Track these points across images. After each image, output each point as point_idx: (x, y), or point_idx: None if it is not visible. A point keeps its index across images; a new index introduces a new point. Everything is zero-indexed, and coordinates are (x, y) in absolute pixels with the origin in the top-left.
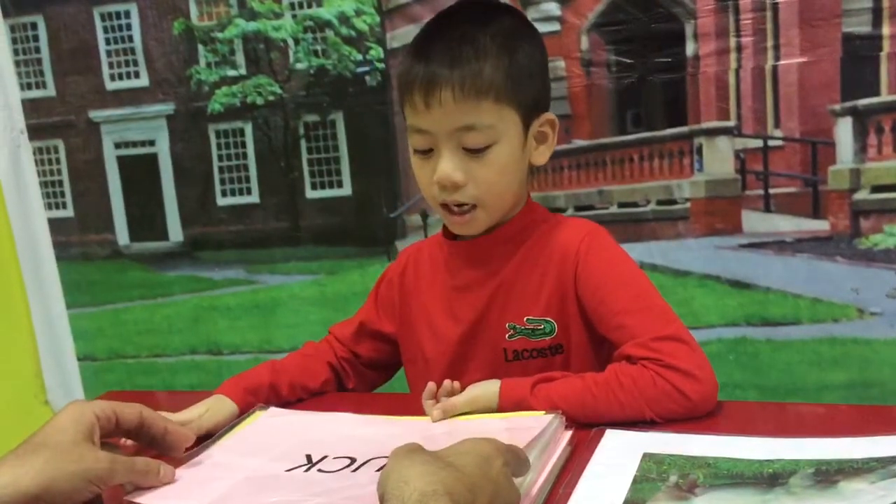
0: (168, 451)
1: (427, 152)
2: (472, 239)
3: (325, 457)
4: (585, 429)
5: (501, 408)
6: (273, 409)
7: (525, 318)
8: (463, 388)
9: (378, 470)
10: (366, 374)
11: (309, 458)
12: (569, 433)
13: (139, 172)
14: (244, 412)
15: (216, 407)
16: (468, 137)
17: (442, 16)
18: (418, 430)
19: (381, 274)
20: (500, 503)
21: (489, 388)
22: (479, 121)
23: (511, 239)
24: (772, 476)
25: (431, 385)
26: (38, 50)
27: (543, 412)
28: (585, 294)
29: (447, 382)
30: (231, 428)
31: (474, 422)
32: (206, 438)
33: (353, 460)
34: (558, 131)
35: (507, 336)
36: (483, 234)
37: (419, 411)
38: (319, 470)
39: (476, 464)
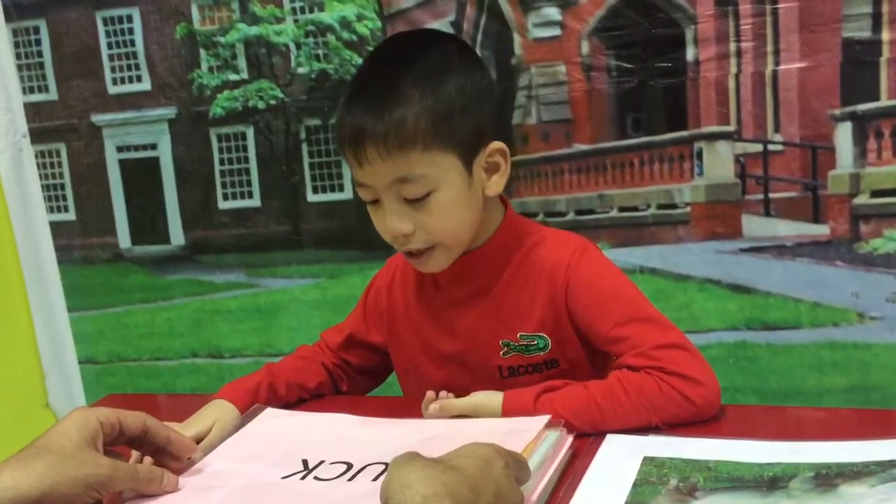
0: (171, 461)
1: (375, 202)
2: (458, 257)
3: (321, 462)
4: (586, 434)
5: (504, 416)
6: (271, 410)
7: (518, 335)
8: None
9: (374, 479)
10: (358, 380)
11: (305, 463)
12: (570, 438)
13: (141, 176)
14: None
15: (222, 418)
16: (404, 189)
17: (372, 56)
18: (417, 431)
19: (369, 282)
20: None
21: (492, 400)
22: (411, 172)
23: (497, 255)
24: (772, 479)
25: (431, 394)
26: (40, 54)
27: (546, 417)
28: (578, 309)
29: (444, 394)
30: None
31: (474, 423)
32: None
33: (349, 466)
34: (509, 158)
35: (501, 353)
36: (467, 253)
37: (417, 414)
38: (315, 478)
39: (477, 466)
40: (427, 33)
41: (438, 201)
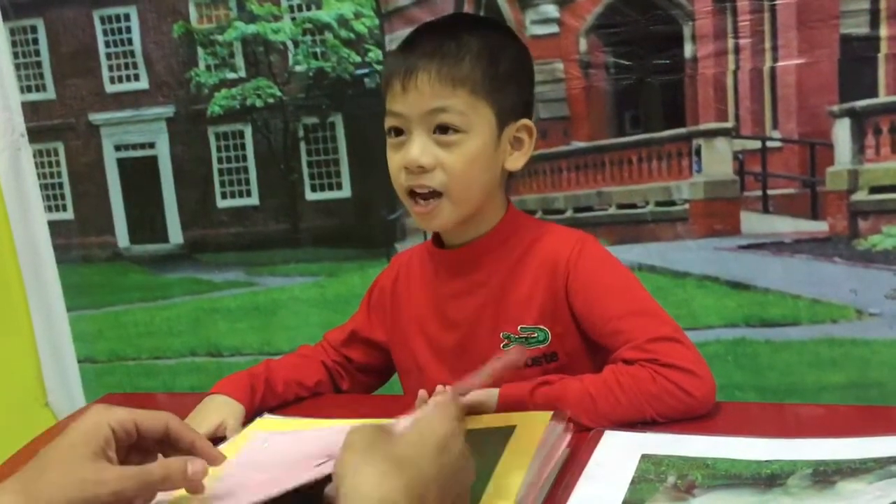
0: None
1: (399, 135)
2: (460, 247)
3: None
4: (584, 430)
5: (500, 411)
6: (262, 435)
7: (519, 327)
8: None
9: None
10: (359, 378)
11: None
12: (568, 435)
13: (139, 175)
14: (249, 410)
15: (230, 414)
16: (441, 117)
17: (431, 20)
18: None
19: (373, 282)
20: (454, 491)
21: (489, 396)
22: (453, 105)
23: (498, 247)
24: (770, 476)
25: (423, 393)
26: (37, 53)
27: (548, 413)
28: (578, 302)
29: (440, 388)
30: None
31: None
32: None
33: None
34: (535, 139)
35: (501, 345)
36: (470, 242)
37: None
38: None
39: (433, 457)
40: (489, 18)
41: (466, 145)
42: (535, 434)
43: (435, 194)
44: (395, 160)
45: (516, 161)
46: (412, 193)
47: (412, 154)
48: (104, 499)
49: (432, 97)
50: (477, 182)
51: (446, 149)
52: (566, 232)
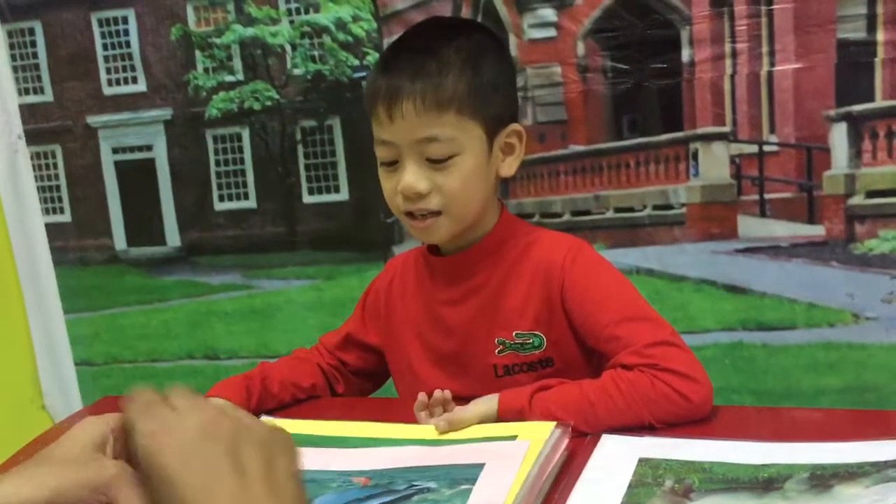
0: None
1: (392, 164)
2: (454, 254)
3: None
4: (581, 434)
5: (501, 419)
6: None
7: (514, 333)
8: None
9: None
10: (354, 381)
11: None
12: (566, 439)
13: (137, 177)
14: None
15: None
16: (430, 148)
17: (409, 32)
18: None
19: (368, 285)
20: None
21: (491, 404)
22: (442, 133)
23: (492, 253)
24: (767, 480)
25: (423, 396)
26: (35, 55)
27: (550, 423)
28: (573, 308)
29: (438, 392)
30: None
31: (466, 446)
32: None
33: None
34: (526, 142)
35: (496, 351)
36: (464, 249)
37: (410, 416)
38: None
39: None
40: (464, 19)
41: (459, 165)
42: (536, 445)
43: (434, 213)
44: (389, 185)
45: (510, 167)
46: (409, 212)
47: (407, 181)
48: (104, 480)
49: (420, 126)
50: (474, 198)
51: (441, 172)
52: (559, 237)
